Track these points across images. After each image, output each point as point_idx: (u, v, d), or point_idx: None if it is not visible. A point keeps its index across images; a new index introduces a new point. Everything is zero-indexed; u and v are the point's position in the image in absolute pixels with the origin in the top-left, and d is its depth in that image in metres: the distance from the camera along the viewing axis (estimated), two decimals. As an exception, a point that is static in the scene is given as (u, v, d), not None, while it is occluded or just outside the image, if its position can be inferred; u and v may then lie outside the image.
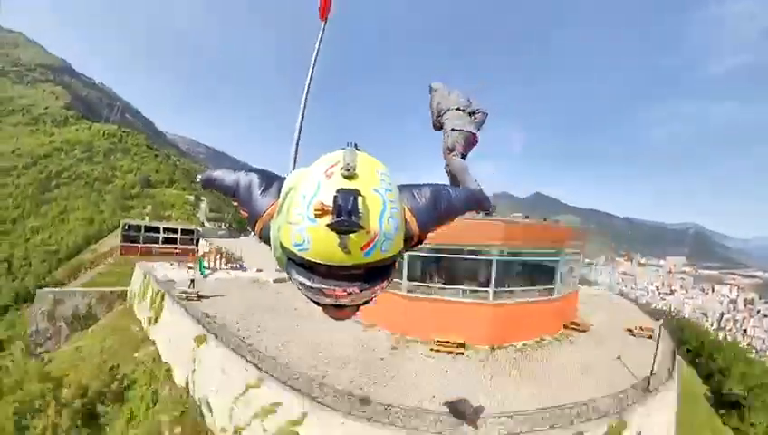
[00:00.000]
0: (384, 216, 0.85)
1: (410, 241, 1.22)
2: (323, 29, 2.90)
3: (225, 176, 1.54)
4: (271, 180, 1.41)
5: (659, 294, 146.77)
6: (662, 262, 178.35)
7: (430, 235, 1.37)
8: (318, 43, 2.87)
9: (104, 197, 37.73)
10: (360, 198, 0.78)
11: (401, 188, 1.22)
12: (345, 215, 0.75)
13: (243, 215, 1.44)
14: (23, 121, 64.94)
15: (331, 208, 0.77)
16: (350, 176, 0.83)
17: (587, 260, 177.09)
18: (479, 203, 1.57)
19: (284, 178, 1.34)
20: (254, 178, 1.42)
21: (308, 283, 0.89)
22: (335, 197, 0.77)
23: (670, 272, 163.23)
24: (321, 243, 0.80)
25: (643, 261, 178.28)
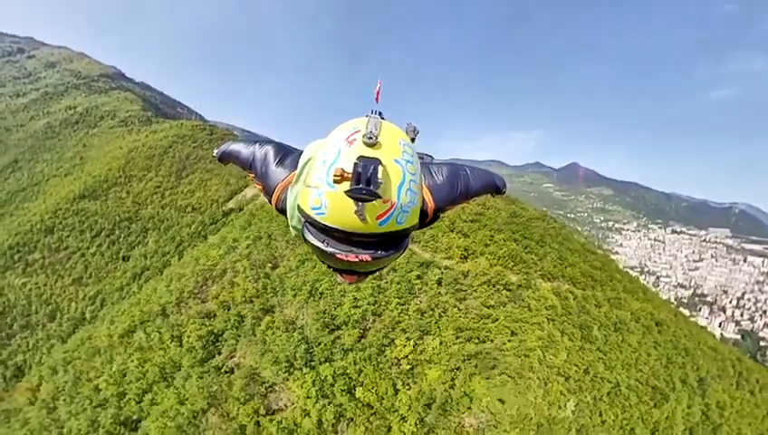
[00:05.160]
0: (403, 187, 0.97)
1: (425, 218, 1.38)
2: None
3: (242, 149, 1.70)
4: (287, 153, 1.59)
5: (686, 263, 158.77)
6: (702, 232, 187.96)
7: (444, 214, 1.53)
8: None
9: (229, 169, 60.93)
10: (380, 168, 0.87)
11: (421, 164, 1.32)
12: (364, 183, 0.84)
13: (258, 188, 1.63)
14: (115, 125, 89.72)
15: (350, 175, 0.86)
16: (372, 144, 0.95)
17: (616, 225, 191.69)
18: (496, 187, 1.67)
19: (300, 151, 1.50)
20: (270, 150, 1.60)
21: (322, 247, 1.03)
22: (355, 164, 0.87)
23: (705, 240, 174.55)
24: (338, 209, 0.93)
25: (680, 229, 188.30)
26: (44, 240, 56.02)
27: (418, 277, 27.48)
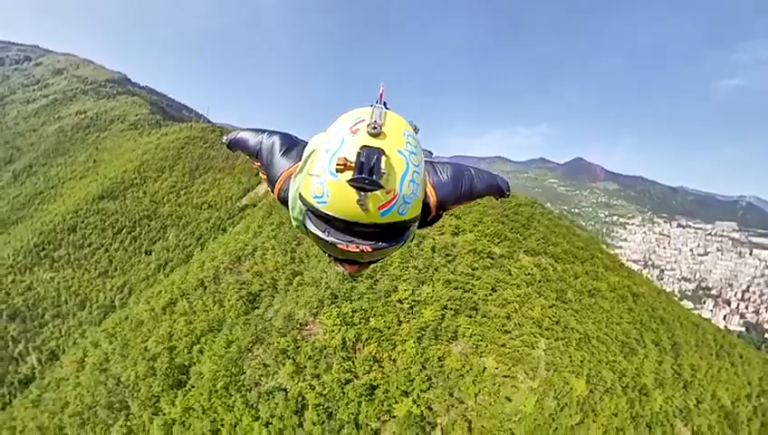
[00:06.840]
0: (406, 178, 1.01)
1: (427, 214, 1.47)
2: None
3: (250, 138, 1.85)
4: (293, 143, 1.71)
5: (691, 257, 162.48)
6: (709, 225, 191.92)
7: (446, 212, 1.61)
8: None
9: (241, 168, 66.64)
10: (383, 158, 0.91)
11: (425, 162, 1.35)
12: (366, 172, 0.88)
13: (263, 177, 1.73)
14: (125, 128, 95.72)
15: (353, 164, 0.90)
16: (375, 134, 0.99)
17: (621, 219, 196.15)
18: (499, 190, 1.76)
19: (306, 142, 1.59)
20: (276, 140, 1.72)
21: (323, 236, 1.07)
22: (358, 153, 0.91)
23: (711, 234, 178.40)
24: (339, 198, 0.97)
25: (686, 223, 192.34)
26: (68, 238, 61.60)
27: (416, 245, 34.14)
